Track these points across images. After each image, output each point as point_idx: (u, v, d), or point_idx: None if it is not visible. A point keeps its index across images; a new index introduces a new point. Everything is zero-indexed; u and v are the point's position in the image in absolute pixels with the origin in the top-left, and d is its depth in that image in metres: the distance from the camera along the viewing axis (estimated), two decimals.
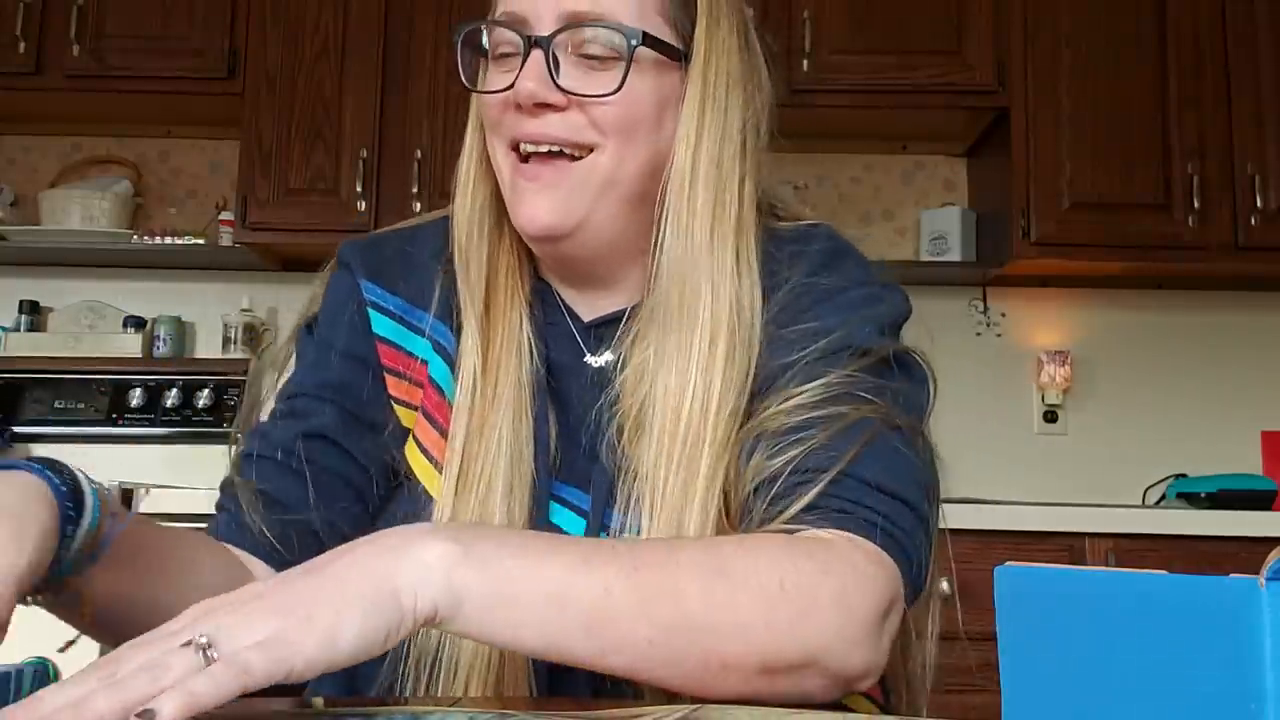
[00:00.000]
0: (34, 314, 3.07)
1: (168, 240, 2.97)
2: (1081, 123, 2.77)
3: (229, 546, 0.83)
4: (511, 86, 0.79)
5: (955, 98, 2.82)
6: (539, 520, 0.81)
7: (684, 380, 0.78)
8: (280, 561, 0.82)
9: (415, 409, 0.87)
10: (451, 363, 0.86)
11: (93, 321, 3.07)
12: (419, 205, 2.73)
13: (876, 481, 0.73)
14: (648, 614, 0.60)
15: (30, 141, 3.20)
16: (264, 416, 0.90)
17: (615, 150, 0.80)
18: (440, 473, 0.83)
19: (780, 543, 0.68)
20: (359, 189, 2.80)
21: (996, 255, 2.89)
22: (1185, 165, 2.75)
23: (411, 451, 0.86)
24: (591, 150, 0.80)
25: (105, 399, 2.91)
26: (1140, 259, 2.79)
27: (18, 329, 3.03)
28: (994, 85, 2.79)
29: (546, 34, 0.79)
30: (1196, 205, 2.73)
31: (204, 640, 0.50)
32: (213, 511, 0.87)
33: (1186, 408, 3.03)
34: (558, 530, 0.82)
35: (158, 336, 3.04)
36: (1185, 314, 3.08)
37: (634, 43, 0.79)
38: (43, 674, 0.57)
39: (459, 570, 0.55)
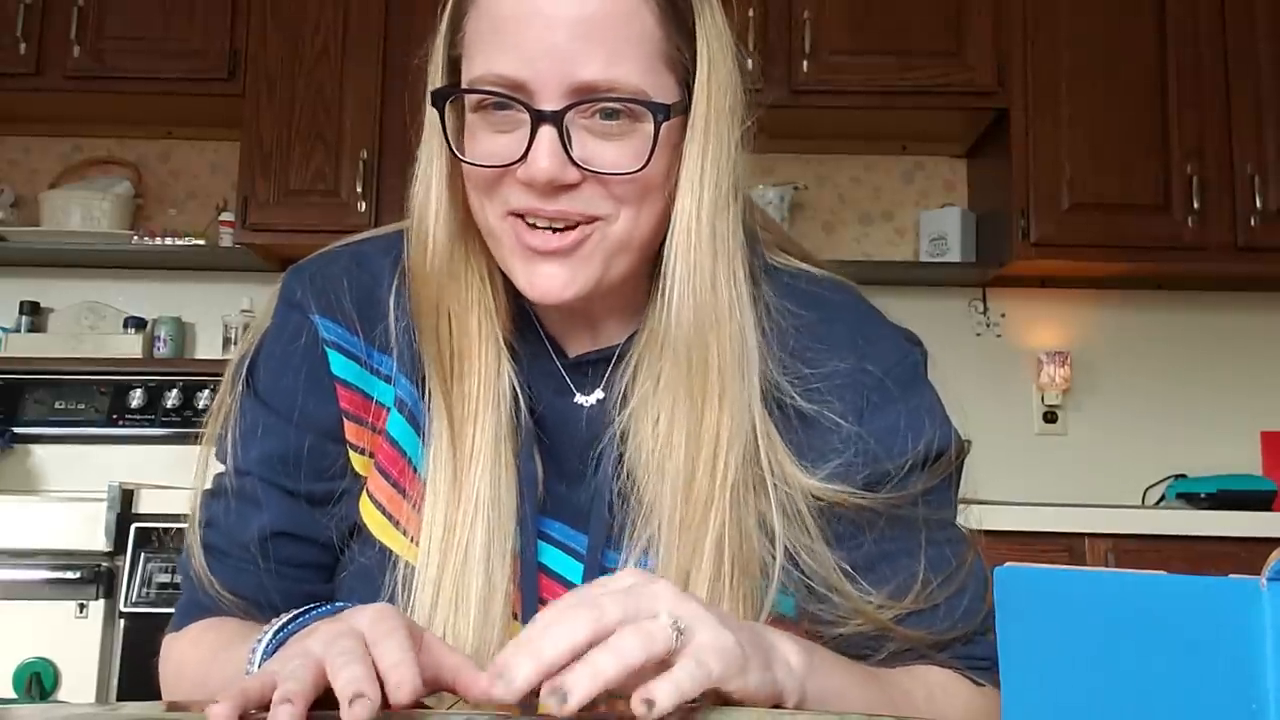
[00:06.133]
0: (34, 314, 3.07)
1: (168, 241, 2.97)
2: (1081, 123, 2.77)
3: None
4: (522, 160, 0.72)
5: (955, 99, 2.82)
6: (527, 562, 0.78)
7: (694, 421, 0.75)
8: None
9: (371, 457, 0.82)
10: (413, 419, 0.81)
11: (93, 322, 3.07)
12: None
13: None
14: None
15: (30, 142, 3.20)
16: (221, 465, 0.85)
17: (630, 216, 0.74)
18: (399, 529, 0.79)
19: (972, 692, 0.80)
20: (359, 189, 2.80)
21: (996, 256, 2.89)
22: (1185, 165, 2.75)
23: (365, 506, 0.81)
24: (604, 218, 0.74)
25: (106, 399, 2.91)
26: (1140, 259, 2.79)
27: (18, 329, 3.03)
28: (994, 86, 2.79)
29: (557, 109, 0.71)
30: (1196, 205, 2.73)
31: (684, 627, 0.55)
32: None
33: (1186, 408, 3.03)
34: (549, 571, 0.79)
35: (158, 337, 3.04)
36: (1185, 314, 3.07)
37: (660, 118, 0.72)
38: None
39: (808, 679, 0.64)
